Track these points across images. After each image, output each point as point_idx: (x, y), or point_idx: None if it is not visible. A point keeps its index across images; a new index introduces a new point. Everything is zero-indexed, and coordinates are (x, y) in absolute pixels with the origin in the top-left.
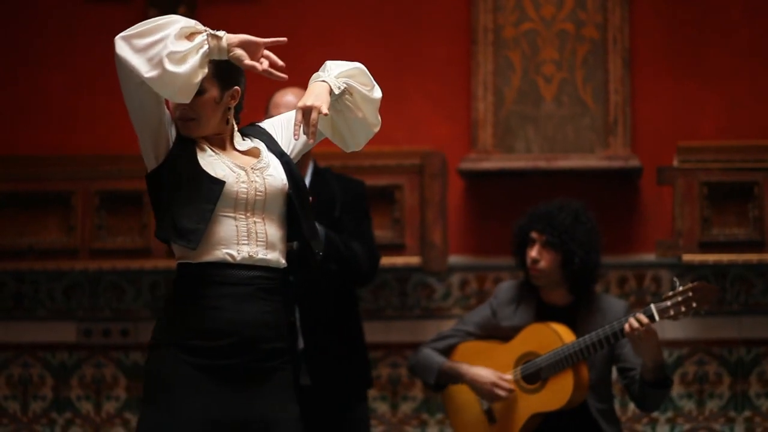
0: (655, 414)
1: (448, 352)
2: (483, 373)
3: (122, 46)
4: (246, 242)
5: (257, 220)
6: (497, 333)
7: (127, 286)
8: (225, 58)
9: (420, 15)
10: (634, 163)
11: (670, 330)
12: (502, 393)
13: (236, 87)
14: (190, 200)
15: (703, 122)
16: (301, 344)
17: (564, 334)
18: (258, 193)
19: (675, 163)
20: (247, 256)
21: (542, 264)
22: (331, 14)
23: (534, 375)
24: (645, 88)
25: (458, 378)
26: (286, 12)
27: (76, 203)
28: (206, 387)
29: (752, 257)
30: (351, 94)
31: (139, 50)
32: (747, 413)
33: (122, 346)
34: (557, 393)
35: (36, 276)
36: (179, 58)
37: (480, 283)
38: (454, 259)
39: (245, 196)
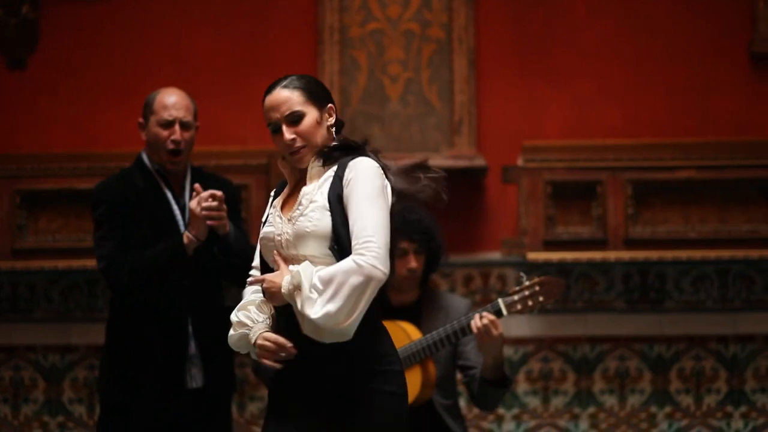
0: (500, 411)
1: None
2: None
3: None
4: None
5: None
6: None
7: None
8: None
9: (266, 14)
10: (480, 162)
11: (515, 327)
12: None
13: (330, 105)
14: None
15: (547, 122)
16: (192, 348)
17: (411, 331)
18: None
19: (520, 162)
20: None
21: (418, 271)
22: (178, 13)
23: None
24: (490, 88)
25: None
26: (132, 11)
27: None
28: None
29: (596, 255)
30: None
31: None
32: (591, 409)
33: None
34: None
35: None
36: None
37: None
38: None
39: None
